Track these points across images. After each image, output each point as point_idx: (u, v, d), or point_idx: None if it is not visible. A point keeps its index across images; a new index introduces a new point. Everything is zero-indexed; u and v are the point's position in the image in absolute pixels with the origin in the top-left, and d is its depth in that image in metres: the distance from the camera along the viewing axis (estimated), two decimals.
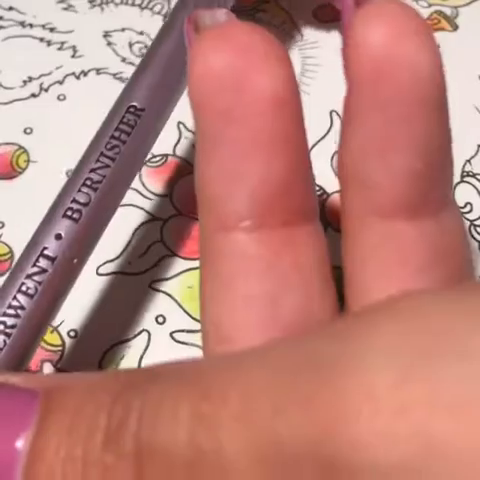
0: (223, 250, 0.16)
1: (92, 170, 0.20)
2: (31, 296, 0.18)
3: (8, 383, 0.14)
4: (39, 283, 0.18)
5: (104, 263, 0.26)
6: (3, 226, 0.27)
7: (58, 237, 0.19)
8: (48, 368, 0.24)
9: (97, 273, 0.26)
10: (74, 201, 0.19)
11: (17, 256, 0.26)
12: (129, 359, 0.25)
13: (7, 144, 0.29)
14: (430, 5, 0.33)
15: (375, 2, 0.15)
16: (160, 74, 0.21)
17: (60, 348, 0.25)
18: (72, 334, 0.25)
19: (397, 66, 0.15)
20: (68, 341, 0.25)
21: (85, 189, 0.19)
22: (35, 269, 0.18)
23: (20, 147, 0.29)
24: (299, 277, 0.16)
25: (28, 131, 0.29)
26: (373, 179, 0.16)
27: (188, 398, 0.12)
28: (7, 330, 0.18)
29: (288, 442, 0.11)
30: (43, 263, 0.18)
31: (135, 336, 0.25)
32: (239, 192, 0.16)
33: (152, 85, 0.21)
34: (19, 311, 0.18)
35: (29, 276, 0.18)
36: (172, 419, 0.12)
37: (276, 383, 0.12)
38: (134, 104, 0.20)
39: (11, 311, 0.18)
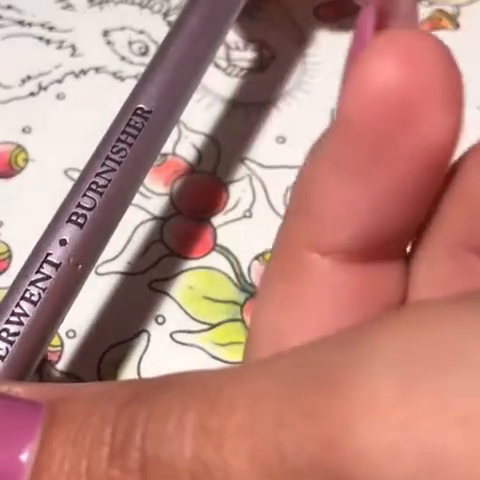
0: (310, 271, 0.15)
1: (98, 174, 0.19)
2: (35, 303, 0.18)
3: (11, 393, 0.14)
4: (43, 290, 0.18)
5: (103, 263, 0.26)
6: (1, 225, 0.27)
7: (63, 243, 0.18)
8: (47, 369, 0.24)
9: (96, 273, 0.26)
10: (79, 206, 0.19)
11: (15, 255, 0.26)
12: (128, 360, 0.25)
13: (6, 143, 0.29)
14: (431, 4, 0.32)
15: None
16: (169, 76, 0.21)
17: (59, 348, 0.25)
18: (71, 334, 0.25)
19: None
20: (67, 341, 0.25)
21: (90, 193, 0.19)
22: (39, 275, 0.18)
23: (19, 146, 0.29)
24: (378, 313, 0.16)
25: (27, 130, 0.29)
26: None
27: (195, 410, 0.12)
28: (10, 338, 0.17)
29: (292, 455, 0.11)
30: (47, 269, 0.18)
31: (134, 336, 0.25)
32: (350, 224, 0.15)
33: (160, 87, 0.20)
34: (22, 318, 0.18)
35: (33, 283, 0.18)
36: (178, 433, 0.12)
37: (281, 394, 0.12)
38: (141, 106, 0.20)
39: (14, 318, 0.18)
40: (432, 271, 0.15)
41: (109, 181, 0.19)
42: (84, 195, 0.19)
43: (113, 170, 0.19)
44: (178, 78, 0.21)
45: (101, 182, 0.19)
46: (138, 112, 0.20)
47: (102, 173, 0.19)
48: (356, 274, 0.15)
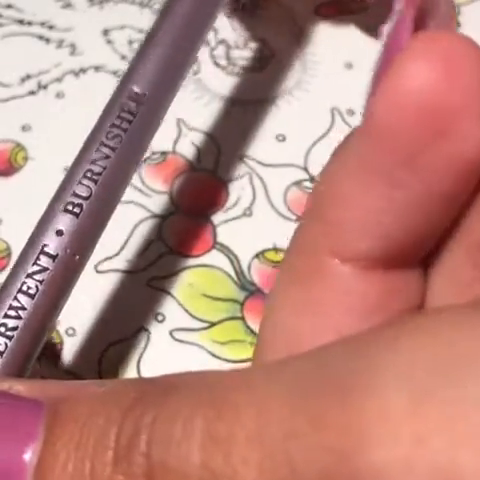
0: (329, 276, 0.15)
1: (92, 161, 0.19)
2: (32, 296, 0.17)
3: (12, 391, 0.14)
4: (40, 282, 0.18)
5: (103, 260, 0.26)
6: (1, 223, 0.27)
7: (59, 233, 0.18)
8: (44, 364, 0.24)
9: (96, 270, 0.26)
10: (74, 195, 0.18)
11: (15, 253, 0.26)
12: (128, 358, 0.24)
13: (5, 141, 0.29)
14: None
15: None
16: (162, 57, 0.20)
17: (58, 347, 0.24)
18: (70, 332, 0.25)
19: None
20: (66, 340, 0.25)
21: (85, 181, 0.19)
22: (36, 267, 0.18)
23: (18, 144, 0.29)
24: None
25: (26, 128, 0.29)
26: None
27: (202, 416, 0.12)
28: (8, 332, 0.17)
29: (302, 466, 0.11)
30: (44, 261, 0.18)
31: (134, 334, 0.25)
32: (373, 231, 0.14)
33: (153, 68, 0.20)
34: (20, 312, 0.17)
35: (29, 275, 0.18)
36: (185, 438, 0.12)
37: (290, 400, 0.11)
38: (135, 89, 0.20)
39: (12, 312, 0.17)
40: (452, 277, 0.15)
41: (104, 168, 0.19)
42: (79, 183, 0.19)
43: (108, 157, 0.19)
44: (172, 58, 0.20)
45: (96, 169, 0.19)
46: (132, 95, 0.19)
47: (97, 160, 0.19)
48: (375, 281, 0.15)
